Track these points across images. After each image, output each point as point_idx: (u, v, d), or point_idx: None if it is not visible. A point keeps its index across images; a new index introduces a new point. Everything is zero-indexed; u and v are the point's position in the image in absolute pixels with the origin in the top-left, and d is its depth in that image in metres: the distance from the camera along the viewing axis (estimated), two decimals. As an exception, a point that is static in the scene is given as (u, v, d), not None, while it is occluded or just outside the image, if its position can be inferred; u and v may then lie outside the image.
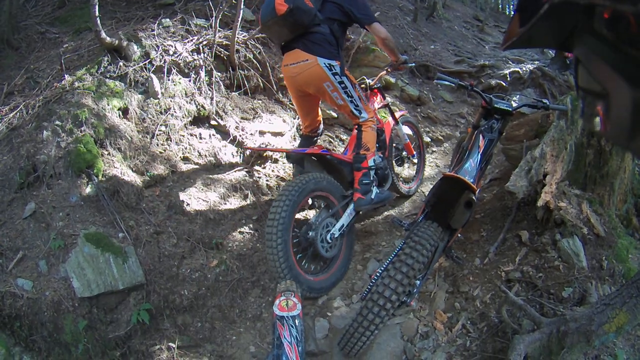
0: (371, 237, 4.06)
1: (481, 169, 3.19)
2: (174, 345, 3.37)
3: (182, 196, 3.99)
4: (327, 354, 3.23)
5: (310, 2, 3.38)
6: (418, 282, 2.74)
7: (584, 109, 0.80)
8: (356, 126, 3.65)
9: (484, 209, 4.07)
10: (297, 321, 2.25)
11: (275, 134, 4.73)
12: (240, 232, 3.94)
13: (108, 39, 4.29)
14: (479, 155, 3.11)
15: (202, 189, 4.13)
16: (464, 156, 3.23)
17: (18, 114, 4.05)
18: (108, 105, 4.04)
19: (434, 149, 5.54)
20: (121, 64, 4.38)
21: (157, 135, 4.25)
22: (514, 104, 3.36)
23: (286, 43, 3.57)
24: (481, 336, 2.96)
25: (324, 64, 3.42)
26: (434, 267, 3.00)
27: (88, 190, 3.69)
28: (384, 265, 2.81)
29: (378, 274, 2.78)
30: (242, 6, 4.66)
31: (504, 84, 7.52)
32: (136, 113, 4.22)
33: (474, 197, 2.70)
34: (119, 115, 4.12)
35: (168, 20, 5.08)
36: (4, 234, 3.47)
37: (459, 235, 3.28)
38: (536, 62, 8.56)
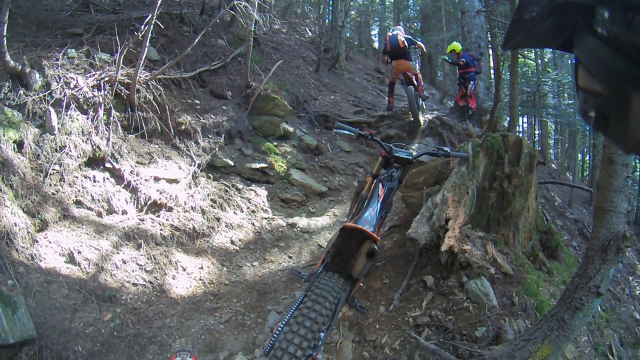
0: (270, 290, 4.17)
1: (381, 217, 3.24)
2: None
3: (74, 243, 4.03)
4: None
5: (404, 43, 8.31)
6: (322, 334, 2.70)
7: (583, 108, 0.81)
8: None
9: (385, 256, 4.32)
10: None
11: (170, 181, 4.88)
12: (134, 284, 4.02)
13: (12, 62, 4.31)
14: (379, 204, 3.15)
15: (95, 237, 4.17)
16: (363, 205, 3.29)
17: None
18: (3, 136, 4.02)
19: (331, 199, 5.86)
20: (22, 92, 4.39)
21: (50, 174, 4.26)
22: (414, 153, 3.51)
23: (397, 56, 8.37)
24: None
25: (410, 63, 8.37)
26: (337, 318, 3.02)
27: None
28: (286, 319, 2.73)
29: (280, 328, 2.70)
30: (147, 44, 4.86)
31: (403, 134, 8.12)
32: (31, 148, 4.21)
33: (375, 247, 2.72)
34: (14, 148, 4.09)
35: (74, 50, 5.15)
36: None
37: (361, 284, 3.42)
38: (435, 112, 9.41)
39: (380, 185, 3.28)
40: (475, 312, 3.25)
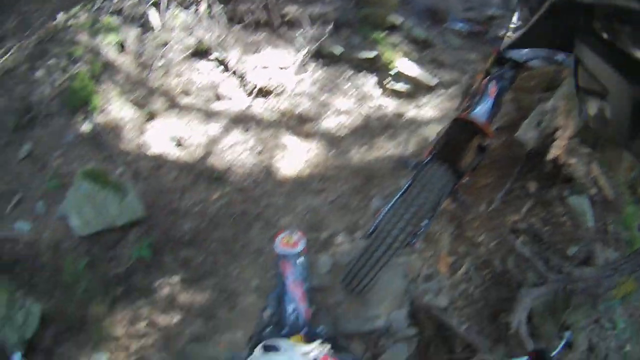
0: (376, 175, 4.01)
1: (492, 114, 3.13)
2: (176, 280, 3.47)
3: (183, 130, 4.10)
4: (329, 289, 3.25)
5: None
6: (425, 222, 2.67)
7: (584, 108, 0.81)
8: None
9: (491, 155, 3.94)
10: (301, 258, 2.15)
11: (278, 68, 4.76)
12: (242, 165, 4.03)
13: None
14: (491, 101, 3.01)
15: (203, 122, 4.23)
16: (474, 101, 3.15)
17: (11, 56, 4.14)
18: (104, 41, 4.15)
19: (439, 93, 5.42)
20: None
21: (155, 69, 4.34)
22: (527, 56, 3.23)
23: None
24: (484, 283, 3.00)
25: None
26: (440, 209, 2.95)
27: (85, 126, 3.80)
28: (391, 204, 2.74)
29: (384, 213, 2.72)
30: None
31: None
32: (133, 48, 4.32)
33: (486, 142, 2.73)
34: (116, 50, 4.22)
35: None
36: (0, 177, 3.59)
37: (466, 179, 3.20)
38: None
39: (492, 83, 3.09)
40: (571, 230, 3.15)
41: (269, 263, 3.48)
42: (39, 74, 3.88)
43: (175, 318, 3.40)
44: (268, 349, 1.23)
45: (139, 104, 4.09)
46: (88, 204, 3.36)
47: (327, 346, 1.27)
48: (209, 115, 4.26)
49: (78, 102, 3.77)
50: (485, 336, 2.86)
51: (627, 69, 0.66)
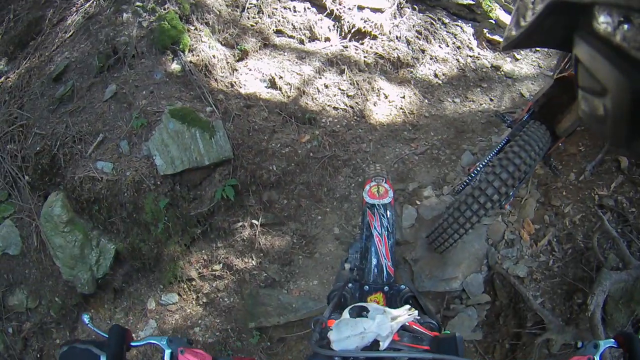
0: (468, 129, 3.75)
1: None
2: (257, 223, 3.30)
3: (275, 69, 3.85)
4: (410, 245, 3.07)
5: None
6: (518, 183, 2.48)
7: (583, 107, 0.80)
8: None
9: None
10: (388, 210, 1.95)
11: (374, 10, 4.42)
12: (334, 107, 3.76)
13: None
14: None
15: (296, 62, 3.98)
16: None
17: (94, 2, 4.02)
18: None
19: (537, 49, 4.97)
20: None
21: (247, 8, 4.11)
22: None
23: None
24: (564, 258, 2.84)
25: None
26: (531, 173, 2.85)
27: (173, 66, 3.60)
28: (486, 160, 2.66)
29: (478, 170, 2.65)
30: None
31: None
32: None
33: None
34: None
35: None
36: (82, 120, 3.47)
37: (561, 144, 3.05)
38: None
39: None
40: (660, 215, 2.87)
41: (352, 211, 3.31)
42: (126, 16, 3.72)
43: (251, 262, 3.26)
44: (357, 312, 1.15)
45: (230, 44, 3.87)
46: (175, 143, 3.19)
47: (415, 312, 1.17)
48: (303, 56, 4.02)
49: (167, 42, 3.58)
50: (557, 315, 2.70)
51: (627, 68, 0.64)
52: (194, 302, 3.28)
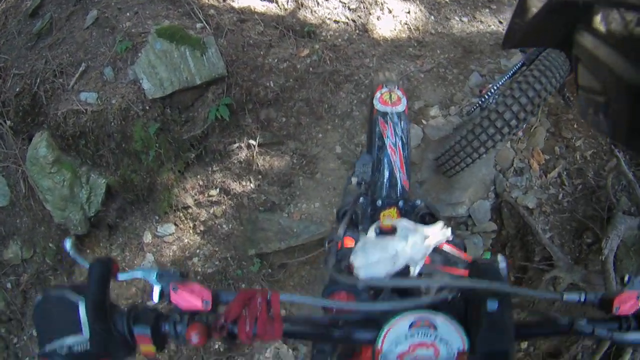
0: (476, 50, 3.51)
1: None
2: (254, 143, 3.07)
3: None
4: (416, 166, 2.90)
5: None
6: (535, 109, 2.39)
7: (582, 106, 0.77)
8: None
9: None
10: (402, 119, 1.81)
11: None
12: (335, 20, 3.49)
13: None
14: None
15: None
16: None
17: None
18: None
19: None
20: None
21: None
22: None
23: None
24: (575, 193, 2.79)
25: None
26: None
27: None
28: (499, 84, 2.57)
29: (491, 92, 2.57)
30: None
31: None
32: None
33: None
34: None
35: None
36: (63, 51, 3.24)
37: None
38: None
39: None
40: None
41: (355, 129, 3.11)
42: None
43: (249, 185, 3.07)
44: (384, 230, 0.99)
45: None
46: (163, 64, 2.96)
47: (449, 231, 0.98)
48: None
49: None
50: (566, 253, 2.63)
51: (627, 66, 0.65)
52: (191, 231, 3.08)
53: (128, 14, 3.21)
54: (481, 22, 3.72)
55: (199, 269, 2.98)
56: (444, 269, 0.95)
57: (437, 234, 0.95)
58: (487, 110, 2.25)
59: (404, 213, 1.60)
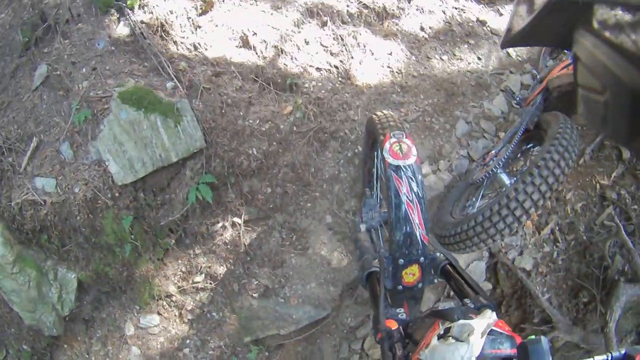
0: (458, 92, 3.23)
1: None
2: (239, 221, 2.72)
3: (247, 23, 3.09)
4: None
5: None
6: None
7: (582, 106, 0.78)
8: None
9: None
10: (416, 172, 1.70)
11: None
12: (317, 68, 3.07)
13: None
14: None
15: (271, 14, 3.22)
16: None
17: None
18: None
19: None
20: None
21: None
22: None
23: None
24: (568, 250, 2.72)
25: None
26: None
27: (120, 29, 2.85)
28: (500, 148, 2.36)
29: (495, 159, 2.34)
30: None
31: None
32: None
33: None
34: None
35: None
36: (9, 121, 2.77)
37: None
38: None
39: None
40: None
41: (344, 194, 2.81)
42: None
43: (238, 268, 2.75)
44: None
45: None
46: (131, 139, 2.50)
47: (494, 315, 1.09)
48: (279, 5, 3.27)
49: None
50: (564, 314, 2.64)
51: (626, 65, 0.61)
52: (177, 321, 2.77)
53: (84, 70, 2.72)
54: (460, 59, 3.42)
55: (192, 360, 2.70)
56: (493, 351, 1.00)
57: (487, 322, 1.03)
58: (505, 197, 2.03)
59: (425, 268, 1.63)
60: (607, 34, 0.69)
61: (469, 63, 3.42)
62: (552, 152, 2.03)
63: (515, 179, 2.21)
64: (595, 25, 0.71)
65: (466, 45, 3.55)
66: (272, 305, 2.59)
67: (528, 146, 2.42)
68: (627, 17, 0.64)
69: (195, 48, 2.88)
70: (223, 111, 2.72)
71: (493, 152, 2.46)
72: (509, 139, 2.35)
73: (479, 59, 3.50)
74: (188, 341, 2.70)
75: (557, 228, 2.72)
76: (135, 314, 2.75)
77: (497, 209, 2.04)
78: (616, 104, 0.68)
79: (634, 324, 2.59)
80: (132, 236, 2.60)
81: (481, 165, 2.50)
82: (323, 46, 3.15)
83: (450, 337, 1.01)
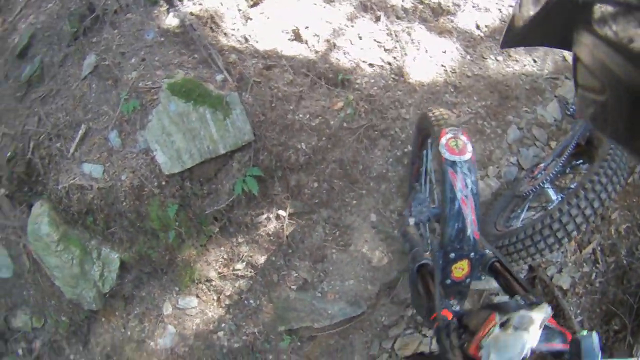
0: (512, 95, 3.10)
1: None
2: (284, 214, 2.69)
3: (299, 16, 3.00)
4: None
5: None
6: None
7: (582, 105, 0.79)
8: None
9: None
10: (472, 169, 1.68)
11: None
12: (370, 64, 2.97)
13: None
14: None
15: (324, 7, 3.13)
16: None
17: None
18: None
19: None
20: None
21: None
22: None
23: None
24: (607, 273, 2.63)
25: None
26: None
27: (169, 20, 2.80)
28: (550, 160, 2.30)
29: (543, 172, 2.29)
30: None
31: None
32: None
33: None
34: None
35: None
36: (58, 107, 2.74)
37: None
38: None
39: None
40: None
41: (390, 193, 2.75)
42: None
43: (279, 260, 2.72)
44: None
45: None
46: (180, 131, 2.47)
47: (549, 308, 1.07)
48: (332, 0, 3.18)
49: None
50: None
51: (626, 65, 0.61)
52: (215, 305, 2.76)
53: (133, 60, 2.70)
54: (516, 61, 3.28)
55: (225, 343, 2.70)
56: (546, 345, 1.05)
57: (543, 315, 1.05)
58: (549, 217, 2.00)
59: (474, 263, 1.63)
60: (606, 33, 0.69)
61: (524, 65, 3.29)
62: (601, 175, 1.97)
63: (562, 196, 2.18)
64: (595, 24, 0.71)
65: (522, 48, 3.37)
66: (309, 299, 2.59)
67: (578, 162, 2.34)
68: (627, 16, 0.64)
69: (246, 40, 2.81)
70: (273, 105, 2.67)
71: (542, 165, 2.40)
72: (559, 153, 2.27)
73: (535, 61, 3.36)
74: (223, 325, 2.71)
75: (599, 248, 2.65)
76: (175, 295, 2.76)
77: (540, 228, 2.01)
78: (616, 104, 0.69)
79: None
80: (177, 223, 2.59)
81: (529, 177, 2.44)
82: (376, 42, 3.05)
83: (512, 327, 1.04)
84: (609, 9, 0.68)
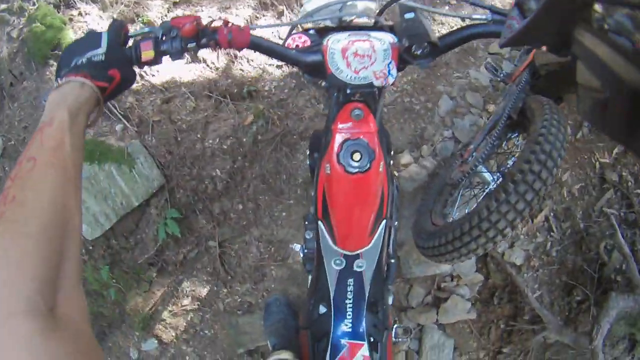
0: (440, 62, 2.91)
1: None
2: (214, 244, 2.63)
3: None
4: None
5: None
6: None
7: (581, 105, 0.75)
8: None
9: None
10: None
11: None
12: (277, 66, 2.85)
13: None
14: None
15: (220, 17, 2.77)
16: None
17: None
18: None
19: None
20: None
21: None
22: None
23: None
24: (563, 240, 2.50)
25: None
26: None
27: None
28: (480, 140, 2.06)
29: (474, 155, 2.04)
30: None
31: None
32: None
33: None
34: None
35: None
36: None
37: None
38: None
39: None
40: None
41: None
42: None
43: (220, 288, 2.66)
44: None
45: (129, 17, 2.86)
46: (90, 195, 2.43)
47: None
48: (227, 4, 3.00)
49: (45, 51, 2.64)
50: (556, 313, 2.47)
51: (626, 64, 0.58)
52: (175, 341, 2.73)
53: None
54: (442, 23, 3.01)
55: (192, 373, 2.82)
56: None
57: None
58: (494, 201, 1.77)
59: None
60: (606, 33, 0.68)
61: (452, 27, 3.00)
62: (538, 152, 1.72)
63: (499, 175, 1.95)
64: (595, 23, 0.70)
65: (447, 7, 3.12)
66: (257, 321, 2.54)
67: (512, 135, 2.12)
68: (627, 15, 0.64)
69: (141, 77, 2.69)
70: (178, 139, 2.58)
71: (472, 146, 2.16)
72: (489, 131, 2.05)
73: (462, 20, 3.02)
74: (187, 358, 2.71)
75: (552, 215, 2.49)
76: (137, 340, 2.76)
77: (486, 215, 1.78)
78: (615, 104, 0.64)
79: (625, 332, 2.40)
80: (114, 280, 2.61)
81: (460, 161, 2.20)
82: (281, 39, 2.82)
83: None
84: (609, 6, 0.68)
